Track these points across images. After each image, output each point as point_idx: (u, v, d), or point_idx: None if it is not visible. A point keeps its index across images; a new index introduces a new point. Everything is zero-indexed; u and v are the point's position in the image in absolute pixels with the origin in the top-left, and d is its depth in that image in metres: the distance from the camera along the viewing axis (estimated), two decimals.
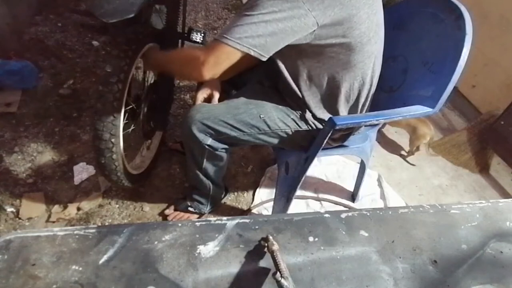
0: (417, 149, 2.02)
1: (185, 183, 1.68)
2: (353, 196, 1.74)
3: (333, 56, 1.05)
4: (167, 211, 1.52)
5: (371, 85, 1.18)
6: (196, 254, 0.56)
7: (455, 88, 1.15)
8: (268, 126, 1.17)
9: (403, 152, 2.09)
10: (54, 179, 1.58)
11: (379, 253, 0.61)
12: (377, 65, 1.16)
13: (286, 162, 1.34)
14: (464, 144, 2.11)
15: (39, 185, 1.54)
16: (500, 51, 2.20)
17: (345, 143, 1.33)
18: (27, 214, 1.43)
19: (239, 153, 1.86)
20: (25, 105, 1.86)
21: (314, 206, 1.68)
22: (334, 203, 1.70)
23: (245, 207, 1.64)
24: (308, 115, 1.20)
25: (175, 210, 1.52)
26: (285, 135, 1.21)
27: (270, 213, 1.56)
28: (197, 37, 1.47)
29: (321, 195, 1.72)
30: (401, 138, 2.20)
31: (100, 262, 0.53)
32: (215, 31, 2.82)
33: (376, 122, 1.19)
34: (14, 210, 1.44)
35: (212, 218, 0.63)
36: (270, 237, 0.57)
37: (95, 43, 2.37)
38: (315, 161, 1.22)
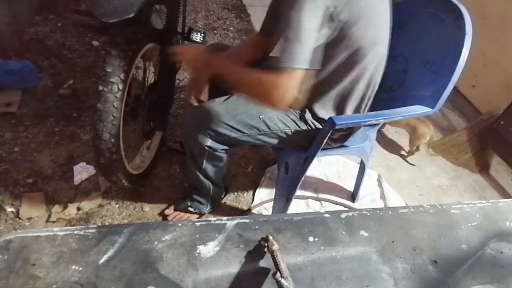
0: (417, 149, 2.02)
1: (185, 183, 1.67)
2: (353, 196, 1.74)
3: (344, 55, 1.06)
4: (167, 211, 1.52)
5: (375, 86, 1.18)
6: (196, 254, 0.56)
7: (455, 88, 1.15)
8: (268, 126, 1.18)
9: (403, 152, 2.09)
10: (54, 179, 1.58)
11: (379, 253, 0.61)
12: (383, 66, 1.17)
13: (286, 162, 1.34)
14: (464, 144, 2.11)
15: (39, 185, 1.54)
16: (500, 51, 2.20)
17: (345, 143, 1.33)
18: (27, 214, 1.43)
19: (239, 153, 1.86)
20: (25, 105, 1.86)
21: (314, 206, 1.68)
22: (334, 203, 1.70)
23: (245, 207, 1.64)
24: (307, 115, 1.20)
25: (175, 210, 1.52)
26: (284, 136, 1.21)
27: (270, 213, 1.56)
28: (197, 37, 1.48)
29: (321, 195, 1.72)
30: (401, 138, 2.20)
31: (100, 262, 0.53)
32: (215, 31, 2.83)
33: (376, 122, 1.19)
34: (14, 210, 1.44)
35: (212, 218, 0.63)
36: (270, 237, 0.57)
37: (95, 43, 2.37)
38: (315, 161, 1.22)
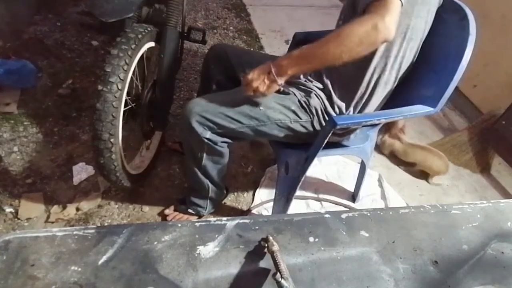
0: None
1: (185, 183, 1.67)
2: (353, 196, 1.74)
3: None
4: (166, 211, 1.52)
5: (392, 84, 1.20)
6: (196, 255, 0.56)
7: (456, 87, 1.15)
8: (268, 117, 1.16)
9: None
10: (53, 179, 1.57)
11: (379, 254, 0.60)
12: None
13: (286, 162, 1.34)
14: (465, 144, 2.11)
15: (38, 185, 1.54)
16: (502, 51, 2.20)
17: (345, 143, 1.33)
18: (26, 214, 1.42)
19: (239, 153, 1.86)
20: (24, 104, 1.86)
21: (314, 207, 1.68)
22: (335, 203, 1.70)
23: (245, 207, 1.64)
24: (314, 101, 1.19)
25: (175, 210, 1.52)
26: (284, 127, 1.19)
27: (270, 213, 1.55)
28: (197, 36, 1.47)
29: (321, 195, 1.72)
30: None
31: (99, 262, 0.53)
32: (215, 31, 2.82)
33: (377, 122, 1.18)
34: (13, 211, 1.43)
35: (212, 219, 0.62)
36: (270, 238, 0.57)
37: (94, 42, 2.36)
38: (315, 161, 1.21)
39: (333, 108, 1.21)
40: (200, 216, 1.51)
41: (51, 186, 1.55)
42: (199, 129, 1.15)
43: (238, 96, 1.16)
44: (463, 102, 2.48)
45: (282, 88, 1.10)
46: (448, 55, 1.11)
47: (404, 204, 1.77)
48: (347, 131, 1.28)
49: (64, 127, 1.79)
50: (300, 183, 1.28)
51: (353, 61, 0.98)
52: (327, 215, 0.66)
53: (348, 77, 1.18)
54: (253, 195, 1.68)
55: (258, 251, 0.58)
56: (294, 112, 1.19)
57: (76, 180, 1.58)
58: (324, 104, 1.21)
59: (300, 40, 1.46)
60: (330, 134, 1.11)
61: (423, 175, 1.96)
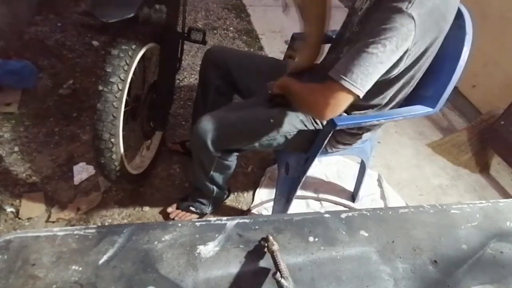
0: None
1: (185, 183, 1.68)
2: (353, 196, 1.74)
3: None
4: (169, 209, 1.52)
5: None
6: (196, 254, 0.56)
7: (455, 88, 1.15)
8: (277, 130, 1.17)
9: None
10: (54, 179, 1.58)
11: (379, 253, 0.61)
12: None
13: (286, 162, 1.34)
14: (464, 144, 2.11)
15: (39, 185, 1.54)
16: (501, 51, 2.20)
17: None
18: (27, 214, 1.43)
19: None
20: (25, 105, 1.86)
21: (314, 206, 1.68)
22: (334, 203, 1.70)
23: (245, 207, 1.64)
24: None
25: (177, 208, 1.52)
26: (290, 137, 1.20)
27: (270, 213, 1.56)
28: (197, 37, 1.47)
29: (321, 195, 1.72)
30: (401, 137, 2.20)
31: (100, 262, 0.53)
32: (215, 31, 2.83)
33: (377, 123, 1.18)
34: (14, 210, 1.44)
35: (212, 218, 0.62)
36: (270, 237, 0.57)
37: (95, 43, 2.37)
38: (315, 161, 1.22)
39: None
40: (202, 214, 1.52)
41: (52, 186, 1.55)
42: (212, 148, 1.16)
43: (250, 112, 1.18)
44: (462, 102, 2.48)
45: None
46: (446, 55, 1.12)
47: (403, 204, 1.77)
48: (361, 133, 1.27)
49: (64, 127, 1.80)
50: (300, 184, 1.28)
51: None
52: (327, 215, 0.66)
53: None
54: (253, 195, 1.69)
55: (258, 250, 0.58)
56: (301, 121, 1.20)
57: (76, 180, 1.58)
58: None
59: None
60: (330, 135, 1.11)
61: None
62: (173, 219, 1.50)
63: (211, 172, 1.28)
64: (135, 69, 1.28)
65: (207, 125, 1.14)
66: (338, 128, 1.07)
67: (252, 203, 1.65)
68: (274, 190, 1.52)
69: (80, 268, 0.52)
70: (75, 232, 0.56)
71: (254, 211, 1.62)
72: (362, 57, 0.89)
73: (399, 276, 0.57)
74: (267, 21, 3.08)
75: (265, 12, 3.23)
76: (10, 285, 0.49)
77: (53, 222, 1.42)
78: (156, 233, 0.58)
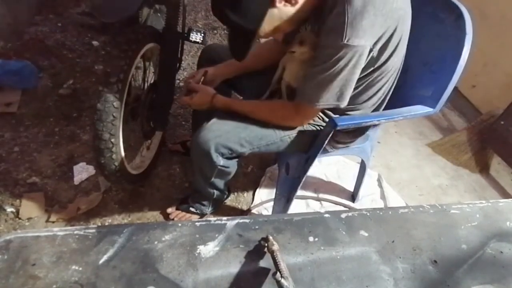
0: None
1: (185, 183, 1.68)
2: (353, 196, 1.74)
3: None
4: (169, 210, 1.52)
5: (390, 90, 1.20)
6: (196, 254, 0.56)
7: (455, 88, 1.15)
8: (276, 134, 1.17)
9: None
10: (54, 179, 1.58)
11: (379, 253, 0.61)
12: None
13: (286, 163, 1.34)
14: (464, 144, 2.11)
15: (39, 185, 1.54)
16: (500, 51, 2.20)
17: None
18: (27, 214, 1.43)
19: None
20: (25, 105, 1.86)
21: (314, 206, 1.68)
22: (334, 203, 1.70)
23: (245, 207, 1.64)
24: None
25: (177, 209, 1.52)
26: (289, 140, 1.20)
27: (270, 213, 1.56)
28: (197, 37, 1.47)
29: (321, 195, 1.72)
30: (401, 137, 2.20)
31: (100, 262, 0.53)
32: (215, 31, 2.82)
33: (377, 123, 1.18)
34: (14, 210, 1.44)
35: (212, 218, 0.62)
36: (270, 237, 0.57)
37: (95, 43, 2.37)
38: (315, 161, 1.22)
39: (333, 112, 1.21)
40: (202, 215, 1.52)
41: (52, 186, 1.55)
42: (214, 155, 1.15)
43: (249, 119, 1.17)
44: (462, 103, 2.48)
45: None
46: (446, 55, 1.12)
47: (403, 204, 1.77)
48: (358, 133, 1.28)
49: (64, 127, 1.80)
50: (301, 184, 1.28)
51: None
52: (326, 215, 0.66)
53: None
54: (253, 195, 1.69)
55: (258, 250, 0.58)
56: None
57: (77, 180, 1.58)
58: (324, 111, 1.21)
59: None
60: (330, 135, 1.11)
61: None
62: (173, 219, 1.50)
63: (212, 179, 1.28)
64: (135, 69, 1.29)
65: (208, 134, 1.13)
66: (338, 128, 1.07)
67: (252, 203, 1.65)
68: (274, 190, 1.52)
69: (80, 268, 0.52)
70: (75, 232, 0.56)
71: (254, 211, 1.62)
72: (321, 76, 0.97)
73: (399, 276, 0.58)
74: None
75: None
76: (10, 285, 0.49)
77: (53, 222, 1.42)
78: (156, 233, 0.58)
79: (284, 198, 1.37)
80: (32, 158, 1.64)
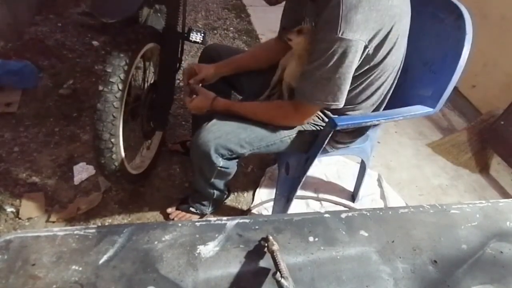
0: None
1: (185, 183, 1.68)
2: (353, 196, 1.74)
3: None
4: (169, 210, 1.52)
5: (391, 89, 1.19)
6: (196, 254, 0.56)
7: (455, 88, 1.15)
8: (276, 135, 1.18)
9: None
10: (54, 179, 1.58)
11: (379, 253, 0.61)
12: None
13: (286, 163, 1.34)
14: (464, 144, 2.11)
15: (39, 185, 1.54)
16: (500, 51, 2.20)
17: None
18: (27, 214, 1.43)
19: None
20: (25, 105, 1.86)
21: (314, 206, 1.68)
22: (334, 203, 1.70)
23: (245, 207, 1.64)
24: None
25: (177, 209, 1.52)
26: (289, 140, 1.20)
27: (270, 213, 1.56)
28: (197, 37, 1.47)
29: (321, 195, 1.72)
30: (401, 137, 2.20)
31: (100, 262, 0.53)
32: (215, 31, 2.83)
33: (377, 123, 1.18)
34: (14, 210, 1.44)
35: (212, 218, 0.62)
36: (270, 237, 0.57)
37: (95, 43, 2.37)
38: (315, 161, 1.22)
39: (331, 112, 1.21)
40: (203, 215, 1.52)
41: (52, 186, 1.55)
42: (213, 156, 1.15)
43: (249, 121, 1.17)
44: (462, 103, 2.48)
45: None
46: (446, 55, 1.12)
47: (403, 204, 1.77)
48: (358, 133, 1.28)
49: (64, 127, 1.80)
50: (301, 184, 1.28)
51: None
52: (326, 215, 0.66)
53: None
54: (253, 195, 1.69)
55: (258, 250, 0.58)
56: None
57: (77, 180, 1.58)
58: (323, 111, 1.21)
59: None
60: (330, 135, 1.11)
61: None
62: (173, 219, 1.50)
63: (212, 179, 1.28)
64: (135, 69, 1.29)
65: (208, 135, 1.13)
66: (338, 128, 1.07)
67: (252, 203, 1.65)
68: (274, 190, 1.52)
69: (80, 268, 0.52)
70: (75, 232, 0.56)
71: (254, 211, 1.62)
72: (318, 72, 0.98)
73: (399, 276, 0.57)
74: (267, 21, 3.07)
75: (265, 12, 3.23)
76: (10, 285, 0.49)
77: (53, 222, 1.42)
78: (156, 233, 0.58)
79: (284, 198, 1.37)
80: (32, 158, 1.64)
